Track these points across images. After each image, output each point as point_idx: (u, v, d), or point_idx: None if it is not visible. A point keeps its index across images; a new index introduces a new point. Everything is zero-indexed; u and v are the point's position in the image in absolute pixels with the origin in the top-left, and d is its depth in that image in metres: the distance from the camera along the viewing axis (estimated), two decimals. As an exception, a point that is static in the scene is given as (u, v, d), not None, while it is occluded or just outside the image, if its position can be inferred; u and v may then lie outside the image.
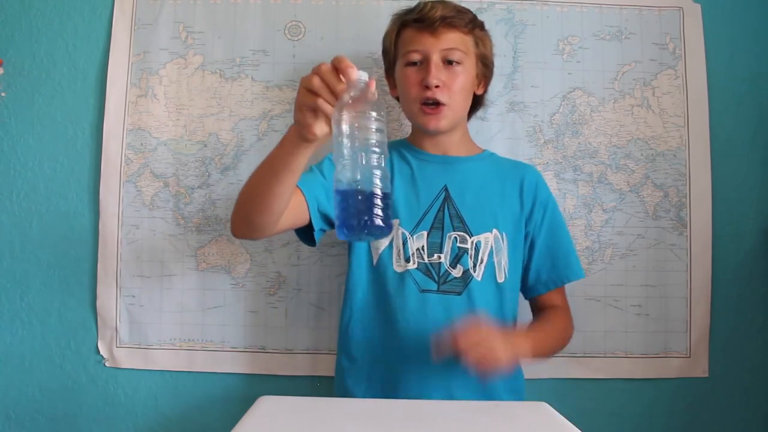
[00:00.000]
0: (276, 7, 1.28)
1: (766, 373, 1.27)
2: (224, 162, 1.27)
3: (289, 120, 1.25)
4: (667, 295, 1.26)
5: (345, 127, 0.67)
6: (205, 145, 1.27)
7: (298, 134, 0.76)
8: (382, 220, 0.66)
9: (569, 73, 1.28)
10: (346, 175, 0.67)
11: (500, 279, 1.02)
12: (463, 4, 1.08)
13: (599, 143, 1.27)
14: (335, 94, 0.70)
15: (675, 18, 1.29)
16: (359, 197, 0.66)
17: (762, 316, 1.28)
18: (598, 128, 1.28)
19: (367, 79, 0.70)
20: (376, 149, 0.67)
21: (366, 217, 0.66)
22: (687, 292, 1.26)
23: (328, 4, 1.28)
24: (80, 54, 1.28)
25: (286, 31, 1.28)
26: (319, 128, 0.73)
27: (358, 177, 0.66)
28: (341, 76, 0.70)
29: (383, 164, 0.68)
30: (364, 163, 0.66)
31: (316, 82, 0.70)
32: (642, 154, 1.27)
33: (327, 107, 0.70)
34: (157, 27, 1.27)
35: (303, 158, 0.80)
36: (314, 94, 0.71)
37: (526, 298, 1.11)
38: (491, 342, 0.87)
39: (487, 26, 1.10)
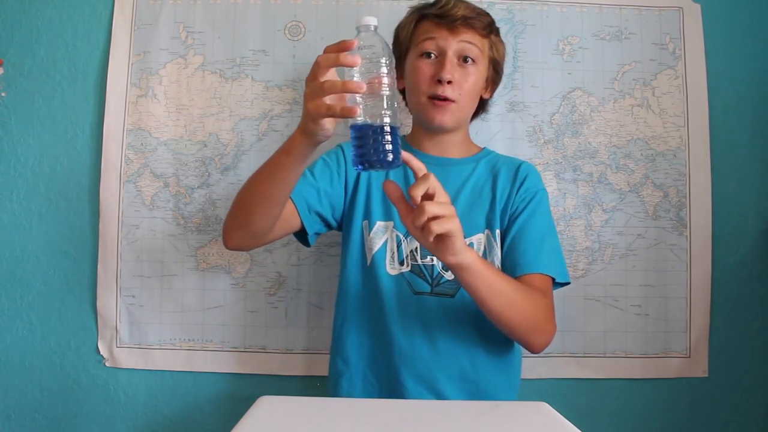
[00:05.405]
0: (276, 7, 1.28)
1: (766, 373, 1.27)
2: (224, 162, 1.27)
3: (289, 119, 1.27)
4: (667, 295, 1.26)
5: (357, 71, 0.73)
6: (205, 145, 1.27)
7: (311, 139, 0.78)
8: (391, 152, 0.74)
9: (569, 73, 1.28)
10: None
11: None
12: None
13: (599, 143, 1.28)
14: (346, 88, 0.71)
15: (675, 18, 1.29)
16: (370, 131, 0.74)
17: (762, 316, 1.28)
18: (598, 128, 1.28)
19: (376, 23, 0.74)
20: (386, 89, 0.73)
21: (377, 149, 0.74)
22: (687, 292, 1.26)
23: (328, 4, 1.28)
24: (80, 54, 1.28)
25: (286, 31, 1.28)
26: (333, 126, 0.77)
27: (370, 114, 0.73)
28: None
29: (393, 104, 0.74)
30: (375, 101, 0.73)
31: (327, 86, 0.71)
32: (642, 154, 1.27)
33: (338, 110, 0.72)
34: (157, 27, 1.28)
35: (309, 160, 0.84)
36: (321, 95, 0.71)
37: None
38: (454, 224, 0.77)
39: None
